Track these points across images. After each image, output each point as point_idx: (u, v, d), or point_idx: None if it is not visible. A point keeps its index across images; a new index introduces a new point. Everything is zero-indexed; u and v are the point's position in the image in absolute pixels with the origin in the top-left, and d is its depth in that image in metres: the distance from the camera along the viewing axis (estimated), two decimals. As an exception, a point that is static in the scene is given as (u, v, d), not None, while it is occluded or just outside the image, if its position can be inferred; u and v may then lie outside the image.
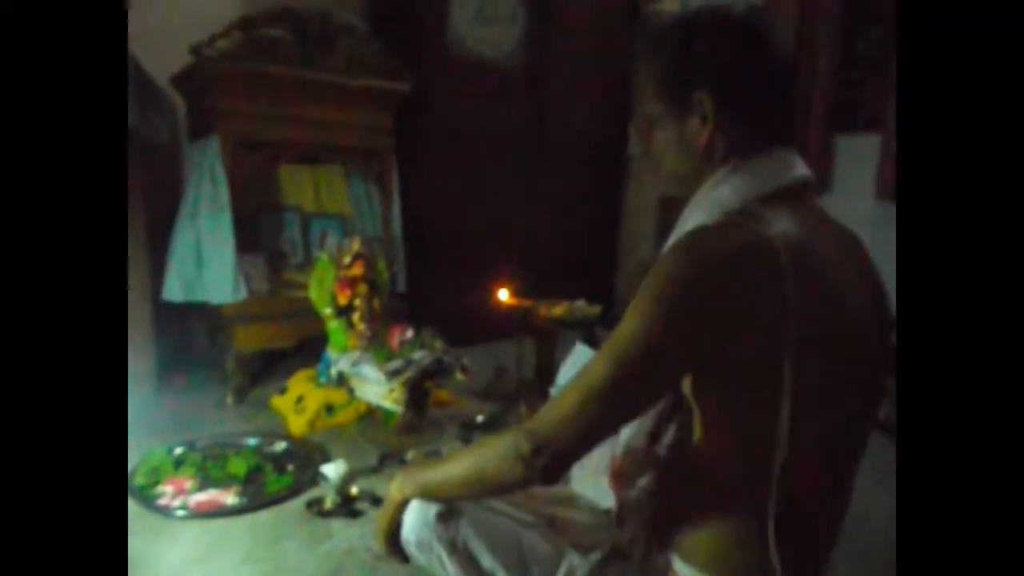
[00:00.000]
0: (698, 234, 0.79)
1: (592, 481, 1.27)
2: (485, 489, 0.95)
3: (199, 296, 2.36)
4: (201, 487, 1.68)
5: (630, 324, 0.76)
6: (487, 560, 1.00)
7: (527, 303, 2.48)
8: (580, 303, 2.43)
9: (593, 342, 2.62)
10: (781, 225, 0.77)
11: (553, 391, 1.32)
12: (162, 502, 1.61)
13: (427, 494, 1.00)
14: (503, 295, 2.49)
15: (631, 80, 3.56)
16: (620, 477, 1.14)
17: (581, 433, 0.80)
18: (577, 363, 1.16)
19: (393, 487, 1.05)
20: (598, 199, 3.60)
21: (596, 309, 2.43)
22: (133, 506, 1.61)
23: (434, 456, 1.87)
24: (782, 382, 0.74)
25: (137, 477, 1.71)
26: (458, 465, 0.95)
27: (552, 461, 0.81)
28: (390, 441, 2.03)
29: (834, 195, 2.95)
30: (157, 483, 1.69)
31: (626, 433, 1.19)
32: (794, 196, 0.83)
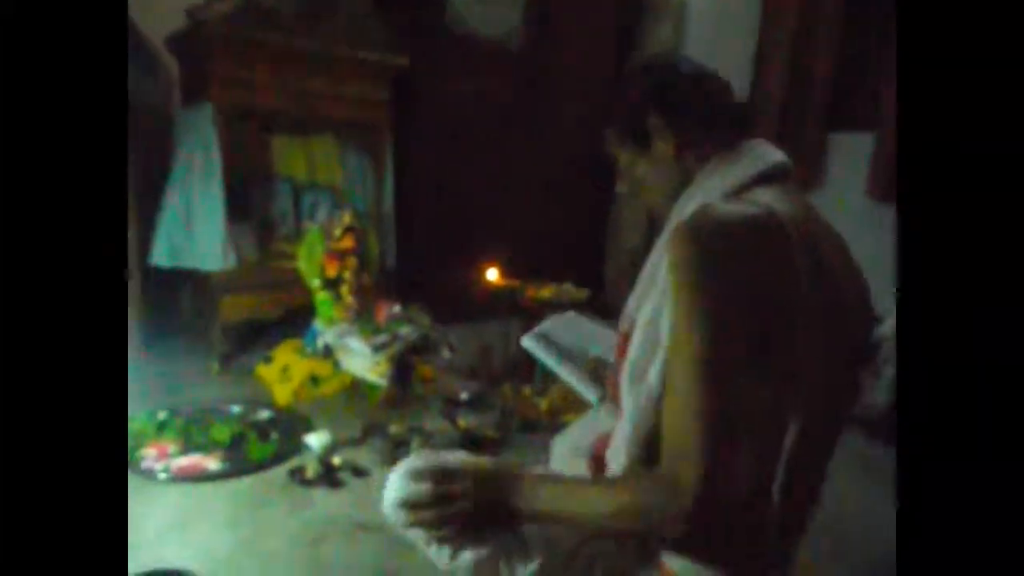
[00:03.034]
0: (704, 209, 0.79)
1: (570, 460, 1.28)
2: (625, 535, 0.88)
3: (188, 262, 2.34)
4: (184, 452, 1.69)
5: (696, 326, 0.72)
6: (471, 543, 1.01)
7: (515, 284, 2.48)
8: (568, 286, 2.44)
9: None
10: (774, 203, 0.78)
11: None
12: (145, 465, 1.62)
13: (552, 519, 0.88)
14: (491, 275, 2.50)
15: (630, 62, 3.54)
16: (601, 460, 1.15)
17: (725, 463, 0.72)
18: (570, 327, 1.15)
19: (510, 494, 0.89)
20: (590, 184, 3.59)
21: (583, 292, 2.45)
22: (115, 468, 1.61)
23: (419, 431, 1.88)
24: (793, 355, 0.74)
25: (120, 439, 1.71)
26: (603, 503, 0.81)
27: (710, 507, 0.73)
28: (374, 414, 2.04)
29: (825, 191, 2.97)
30: (139, 447, 1.69)
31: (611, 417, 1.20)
32: (777, 181, 0.85)
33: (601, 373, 1.08)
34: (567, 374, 1.12)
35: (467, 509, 0.93)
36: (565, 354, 1.08)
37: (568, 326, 1.13)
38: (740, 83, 3.44)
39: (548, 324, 1.13)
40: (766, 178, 0.85)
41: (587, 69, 3.43)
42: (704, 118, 0.90)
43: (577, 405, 2.15)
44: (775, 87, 3.13)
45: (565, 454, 1.33)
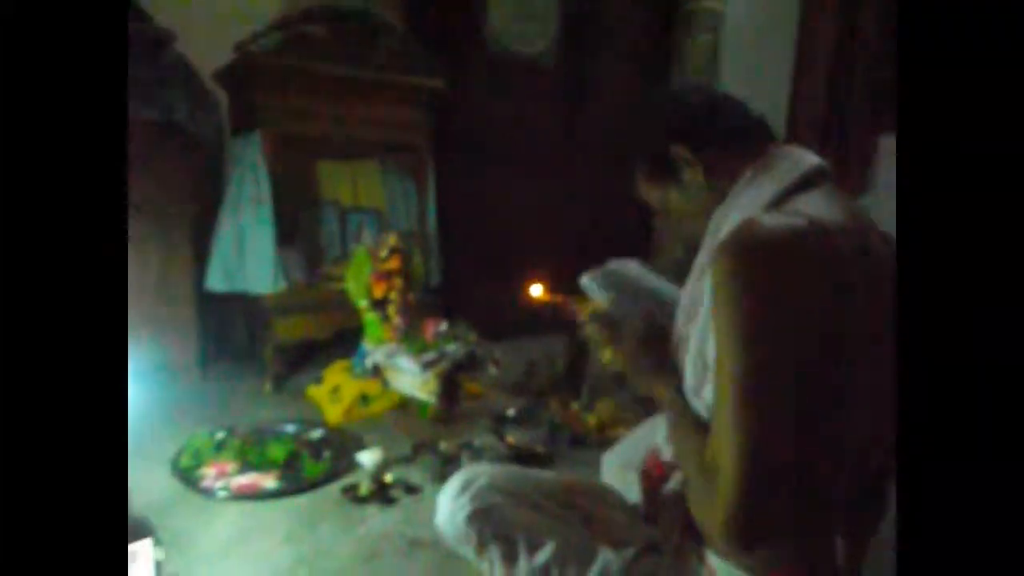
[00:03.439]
0: (744, 225, 0.78)
1: (621, 475, 1.27)
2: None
3: (240, 286, 2.42)
4: (242, 470, 1.73)
5: (737, 347, 0.71)
6: (524, 557, 1.01)
7: (559, 299, 2.48)
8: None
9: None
10: (819, 210, 0.77)
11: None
12: (205, 484, 1.66)
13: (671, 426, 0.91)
14: (536, 291, 2.49)
15: (668, 76, 3.54)
16: (650, 474, 1.14)
17: (765, 488, 0.71)
18: (632, 274, 1.11)
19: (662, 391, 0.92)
20: (631, 197, 3.58)
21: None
22: (177, 486, 1.66)
23: (468, 447, 1.89)
24: (846, 362, 0.72)
25: (181, 459, 1.77)
26: (691, 461, 0.83)
27: (756, 529, 0.72)
28: (423, 431, 2.05)
29: (877, 194, 2.90)
30: (200, 465, 1.74)
31: (662, 431, 1.19)
32: (816, 186, 0.84)
33: (656, 322, 1.03)
34: (620, 315, 1.09)
35: (632, 348, 0.96)
36: (621, 298, 1.06)
37: (630, 272, 1.10)
38: (781, 90, 3.40)
39: (612, 265, 1.11)
40: (804, 185, 0.84)
41: (625, 83, 3.44)
42: (724, 137, 0.91)
43: (626, 420, 2.13)
44: (817, 92, 3.08)
45: (617, 469, 1.32)
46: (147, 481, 1.64)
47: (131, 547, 1.22)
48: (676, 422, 0.89)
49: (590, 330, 1.05)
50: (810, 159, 0.87)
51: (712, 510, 0.73)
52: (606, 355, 1.04)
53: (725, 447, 0.72)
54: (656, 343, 0.96)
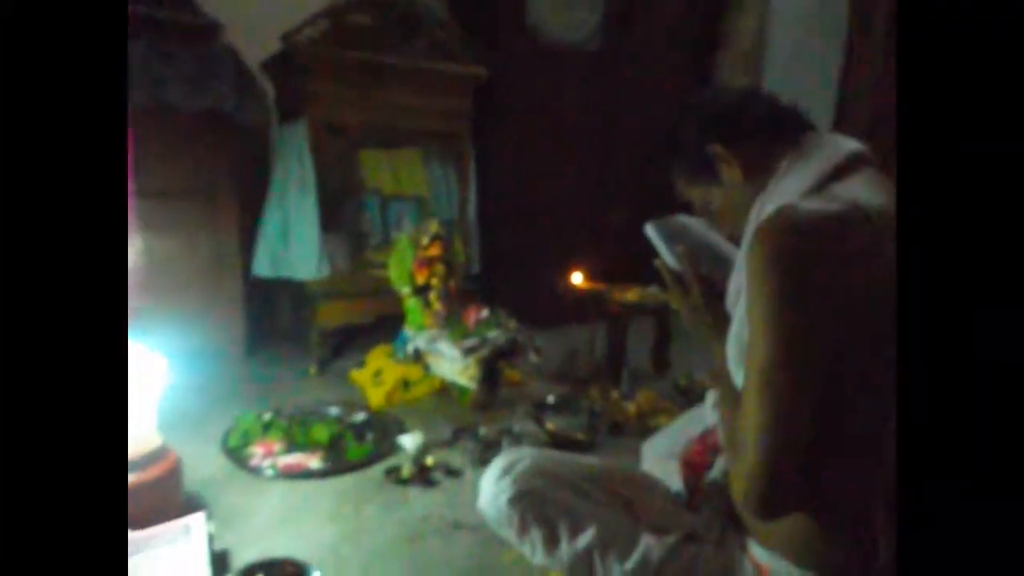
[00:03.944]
0: (781, 211, 0.77)
1: (662, 464, 1.26)
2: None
3: (286, 272, 2.47)
4: (288, 450, 1.78)
5: (769, 333, 0.72)
6: (566, 540, 1.02)
7: (600, 287, 2.48)
8: (653, 288, 2.41)
9: (665, 329, 2.60)
10: (859, 195, 0.76)
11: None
12: (253, 462, 1.71)
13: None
14: (576, 279, 2.50)
15: (711, 64, 3.48)
16: (691, 463, 1.13)
17: (786, 456, 0.73)
18: (699, 231, 1.11)
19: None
20: (672, 185, 3.54)
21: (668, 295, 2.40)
22: (227, 464, 1.71)
23: (508, 432, 1.90)
24: (875, 347, 0.72)
25: (231, 438, 1.82)
26: (723, 430, 0.90)
27: (772, 506, 0.76)
28: (463, 417, 2.08)
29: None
30: (248, 445, 1.80)
31: (703, 421, 1.18)
32: (857, 171, 0.83)
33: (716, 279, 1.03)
34: (672, 263, 1.09)
35: (694, 302, 1.00)
36: (685, 252, 1.05)
37: (693, 227, 1.10)
38: (830, 73, 3.30)
39: (677, 218, 1.11)
40: (844, 170, 0.83)
41: (670, 68, 3.39)
42: (758, 132, 0.91)
43: (667, 409, 2.12)
44: (868, 74, 2.99)
45: (658, 458, 1.32)
46: (199, 458, 1.69)
47: (185, 520, 1.27)
48: (721, 392, 0.92)
49: (662, 270, 1.06)
50: (848, 144, 0.86)
51: (736, 480, 0.77)
52: (673, 302, 1.06)
53: (749, 423, 0.74)
54: (715, 300, 0.97)
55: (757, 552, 0.90)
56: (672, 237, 1.08)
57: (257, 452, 1.76)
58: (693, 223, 1.10)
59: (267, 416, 1.94)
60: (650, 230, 1.11)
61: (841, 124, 3.13)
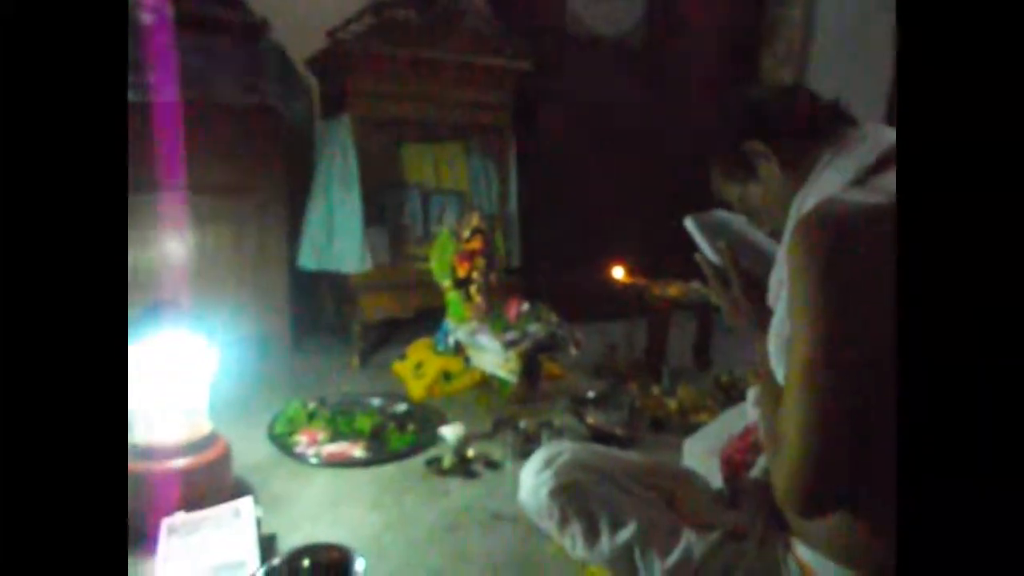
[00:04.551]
0: (823, 204, 0.76)
1: (703, 461, 1.25)
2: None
3: (330, 265, 2.51)
4: (331, 439, 1.81)
5: (807, 327, 0.72)
6: (607, 534, 1.02)
7: (641, 282, 2.46)
8: (695, 284, 2.39)
9: (707, 325, 2.57)
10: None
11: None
12: (298, 450, 1.76)
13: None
14: (617, 273, 2.49)
15: (755, 58, 3.41)
16: (733, 461, 1.12)
17: (829, 453, 0.72)
18: (739, 227, 1.10)
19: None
20: (712, 180, 3.49)
21: (709, 290, 2.38)
22: (273, 451, 1.76)
23: (548, 426, 1.91)
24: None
25: (276, 426, 1.87)
26: (764, 425, 0.90)
27: (814, 504, 0.75)
28: (503, 409, 2.09)
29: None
30: (293, 432, 1.84)
31: (745, 419, 1.16)
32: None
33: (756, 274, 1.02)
34: (712, 258, 1.08)
35: (737, 296, 0.99)
36: (726, 247, 1.04)
37: (734, 223, 1.09)
38: (879, 67, 3.20)
39: (718, 214, 1.10)
40: (887, 162, 0.81)
41: (714, 63, 3.33)
42: (796, 127, 0.90)
43: (708, 407, 2.09)
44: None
45: (699, 455, 1.31)
46: (247, 445, 1.74)
47: (234, 504, 1.31)
48: (762, 389, 0.91)
49: (703, 264, 1.06)
50: (891, 135, 0.84)
51: (778, 478, 0.76)
52: (714, 296, 1.05)
53: (791, 420, 0.74)
54: (756, 295, 0.96)
55: (801, 551, 0.88)
56: (712, 232, 1.07)
57: (302, 440, 1.80)
58: (733, 218, 1.09)
59: (312, 405, 1.99)
60: (690, 224, 1.10)
61: (894, 115, 3.04)
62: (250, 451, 1.73)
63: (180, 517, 1.27)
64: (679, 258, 2.82)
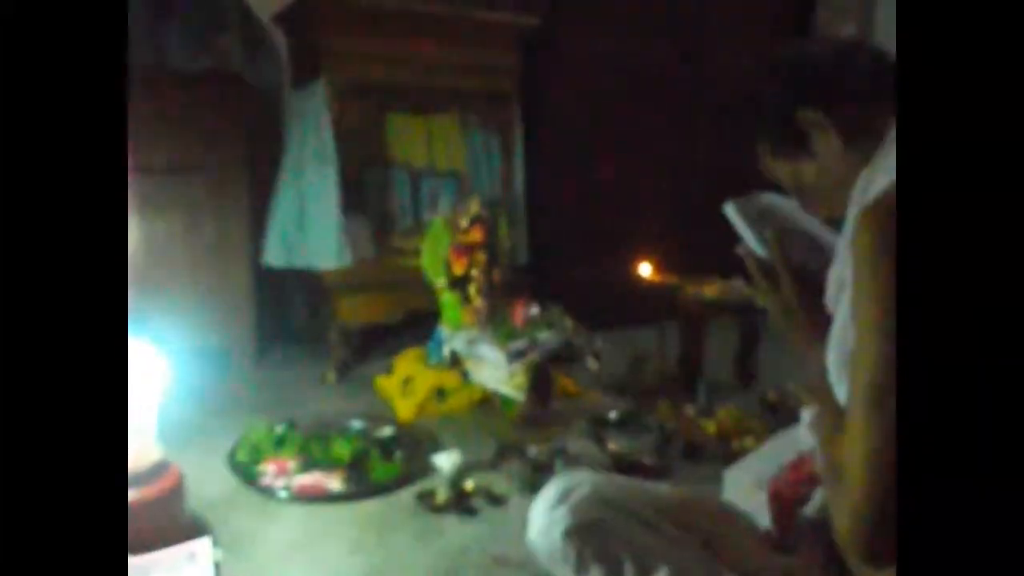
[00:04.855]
0: (891, 190, 0.77)
1: (748, 495, 1.26)
2: None
3: (301, 261, 2.53)
4: (304, 468, 1.82)
5: (876, 336, 0.72)
6: None
7: (673, 280, 2.46)
8: (738, 282, 2.39)
9: (751, 332, 2.57)
10: None
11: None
12: (264, 481, 1.77)
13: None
14: (644, 270, 2.49)
15: (810, 10, 3.41)
16: (783, 495, 1.12)
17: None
18: (788, 212, 1.10)
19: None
20: (758, 158, 3.49)
21: (754, 290, 2.38)
22: (235, 482, 1.77)
23: (562, 453, 1.92)
24: None
25: (238, 453, 1.88)
26: (821, 452, 0.91)
27: (884, 550, 0.74)
28: (509, 433, 2.10)
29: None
30: (258, 461, 1.85)
31: (798, 444, 1.17)
32: None
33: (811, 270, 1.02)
34: (757, 249, 1.08)
35: (788, 297, 0.99)
36: (774, 238, 1.04)
37: (784, 208, 1.09)
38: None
39: (765, 198, 1.10)
40: None
41: (761, 17, 3.33)
42: (861, 93, 0.89)
43: (754, 429, 2.10)
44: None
45: (744, 487, 1.31)
46: (203, 475, 1.75)
47: (189, 546, 1.32)
48: (819, 410, 0.92)
49: (746, 258, 1.05)
50: None
51: (840, 516, 0.76)
52: (760, 297, 1.04)
53: (857, 447, 0.74)
54: (811, 296, 0.96)
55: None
56: (758, 219, 1.07)
57: (269, 469, 1.81)
58: (783, 203, 1.08)
59: (280, 428, 2.00)
60: (731, 210, 1.10)
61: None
62: (207, 483, 1.74)
63: (128, 557, 1.28)
64: (718, 252, 2.83)
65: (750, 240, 1.07)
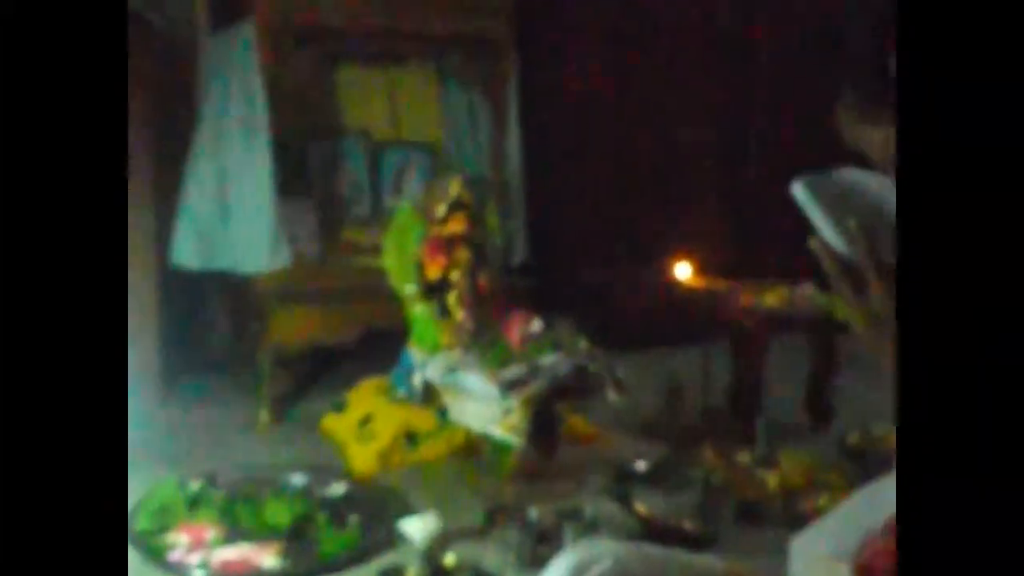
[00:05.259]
0: None
1: (825, 570, 1.26)
2: None
3: (221, 262, 2.53)
4: (228, 539, 1.81)
5: None
6: None
7: (721, 286, 2.46)
8: (807, 288, 2.39)
9: (827, 354, 2.57)
10: None
11: None
12: (174, 556, 1.75)
13: None
14: (683, 272, 2.49)
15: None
16: (873, 570, 1.13)
17: None
18: (871, 188, 1.11)
19: None
20: (837, 122, 3.50)
21: (832, 298, 2.38)
22: (134, 557, 1.76)
23: (573, 516, 1.91)
24: None
25: (140, 520, 1.87)
26: None
27: None
28: (501, 491, 2.09)
29: None
30: (165, 529, 1.84)
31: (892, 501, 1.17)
32: None
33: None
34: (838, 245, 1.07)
35: (879, 306, 0.99)
36: (859, 228, 1.04)
37: (870, 188, 1.09)
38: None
39: (845, 175, 1.10)
40: None
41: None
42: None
43: (830, 483, 2.09)
44: None
45: (819, 562, 1.32)
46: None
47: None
48: None
49: (822, 255, 1.05)
50: None
51: None
52: (839, 310, 1.05)
53: None
54: None
55: None
56: (838, 203, 1.07)
57: (180, 541, 1.80)
58: (871, 181, 1.09)
59: (195, 485, 1.98)
60: (801, 191, 1.10)
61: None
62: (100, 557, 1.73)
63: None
64: (780, 247, 2.83)
65: (826, 231, 1.07)
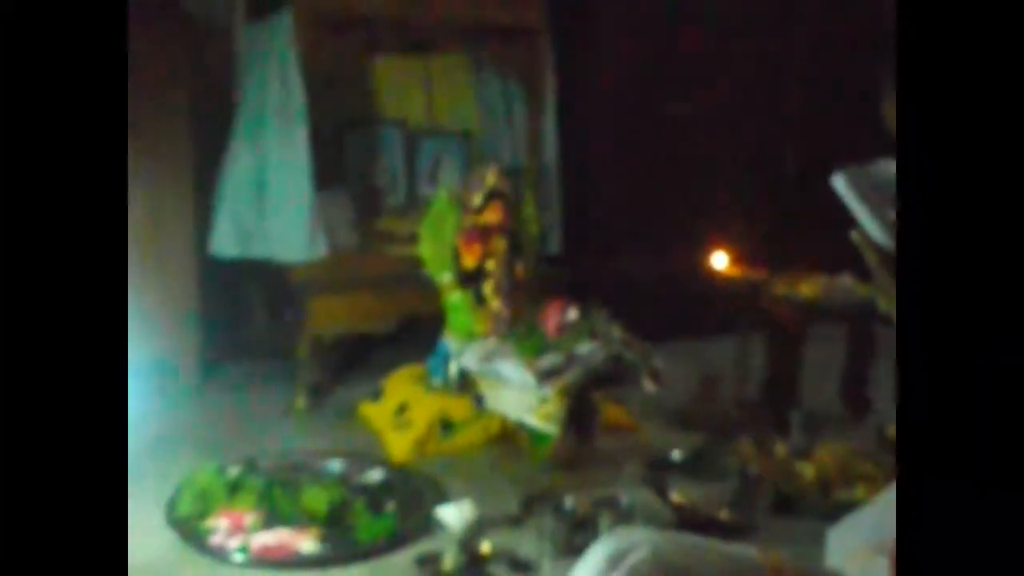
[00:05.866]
0: None
1: (861, 561, 1.26)
2: None
3: (260, 251, 2.54)
4: (266, 524, 1.83)
5: None
6: None
7: (759, 275, 2.45)
8: (848, 279, 2.37)
9: (865, 345, 2.55)
10: None
11: None
12: (215, 540, 1.78)
13: None
14: (720, 262, 2.48)
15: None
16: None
17: None
18: None
19: None
20: (883, 107, 3.46)
21: (872, 289, 2.36)
22: (176, 542, 1.78)
23: (609, 505, 1.92)
24: None
25: (181, 504, 1.89)
26: None
27: None
28: (538, 479, 2.10)
29: None
30: (206, 514, 1.86)
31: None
32: None
33: None
34: (879, 237, 1.07)
35: None
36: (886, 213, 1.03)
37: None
38: None
39: (890, 165, 1.09)
40: None
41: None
42: None
43: (867, 474, 2.08)
44: None
45: (855, 552, 1.31)
46: (136, 531, 1.75)
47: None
48: None
49: (862, 246, 1.05)
50: None
51: None
52: (881, 298, 1.04)
53: None
54: None
55: None
56: (879, 195, 1.06)
57: (220, 525, 1.82)
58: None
59: (234, 471, 2.01)
60: (842, 183, 1.10)
61: None
62: (141, 542, 1.75)
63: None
64: (819, 238, 2.80)
65: (867, 222, 1.06)
